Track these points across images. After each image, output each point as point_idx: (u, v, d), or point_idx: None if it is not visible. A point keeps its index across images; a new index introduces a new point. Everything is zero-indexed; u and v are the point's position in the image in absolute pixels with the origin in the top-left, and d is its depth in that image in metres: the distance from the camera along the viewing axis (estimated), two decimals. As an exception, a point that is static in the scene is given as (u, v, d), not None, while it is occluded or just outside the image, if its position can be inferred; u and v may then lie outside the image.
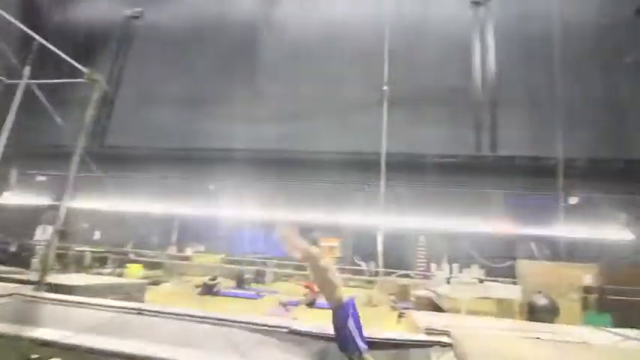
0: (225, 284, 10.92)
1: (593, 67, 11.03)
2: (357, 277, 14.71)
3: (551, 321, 7.72)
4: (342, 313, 3.17)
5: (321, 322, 5.57)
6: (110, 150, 12.83)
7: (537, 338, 3.65)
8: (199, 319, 3.34)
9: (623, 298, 8.70)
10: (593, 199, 10.55)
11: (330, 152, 11.56)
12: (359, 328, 3.10)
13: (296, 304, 8.68)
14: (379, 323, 7.52)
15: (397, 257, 15.39)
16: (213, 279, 9.64)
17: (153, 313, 3.65)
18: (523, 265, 9.96)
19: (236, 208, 12.01)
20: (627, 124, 10.43)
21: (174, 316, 3.51)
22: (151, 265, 12.09)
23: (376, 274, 11.46)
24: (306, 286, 9.17)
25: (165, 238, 14.15)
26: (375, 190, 10.68)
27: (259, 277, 11.72)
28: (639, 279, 7.73)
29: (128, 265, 11.64)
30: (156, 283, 10.39)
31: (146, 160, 12.51)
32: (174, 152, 12.52)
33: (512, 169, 11.10)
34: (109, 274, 10.34)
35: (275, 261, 11.97)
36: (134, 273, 11.02)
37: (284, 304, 7.51)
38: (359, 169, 11.29)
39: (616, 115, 10.58)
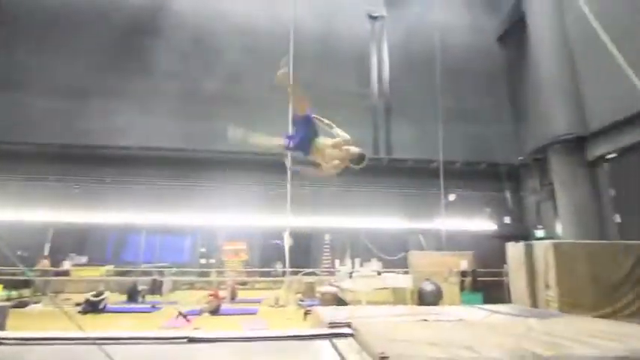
0: (115, 299, 9.72)
1: (464, 83, 12.89)
2: (263, 279, 14.57)
3: (436, 303, 8.76)
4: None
5: (226, 329, 5.34)
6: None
7: (425, 320, 4.08)
8: (75, 341, 2.86)
9: (490, 278, 10.35)
10: (466, 196, 12.33)
11: (231, 152, 11.17)
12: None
13: (198, 313, 8.17)
14: (286, 322, 7.55)
15: (304, 256, 15.74)
16: (98, 294, 8.48)
17: (14, 341, 3.02)
18: (413, 256, 11.10)
19: (126, 212, 10.75)
20: (488, 133, 12.43)
21: (43, 342, 2.95)
22: (15, 284, 10.05)
23: (283, 274, 11.48)
24: (211, 294, 8.71)
25: (35, 251, 11.94)
26: (279, 191, 10.69)
27: (155, 288, 10.71)
28: (501, 262, 9.25)
29: (-19, 286, 9.50)
30: (21, 305, 8.71)
31: (5, 157, 10.37)
32: (47, 149, 10.62)
33: (404, 170, 12.28)
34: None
35: (173, 269, 11.07)
36: (-10, 296, 9.05)
37: (184, 315, 6.98)
38: (263, 170, 11.17)
39: (481, 125, 12.51)
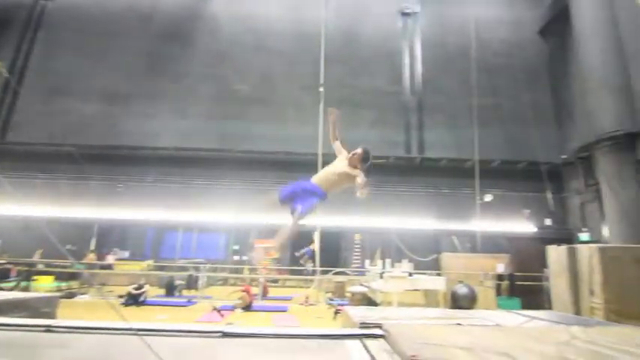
0: (154, 293, 10.20)
1: (502, 79, 12.38)
2: (294, 277, 14.73)
3: (470, 307, 8.48)
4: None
5: (258, 325, 5.47)
6: (12, 147, 11.19)
7: (458, 324, 3.96)
8: (117, 331, 3.03)
9: (529, 283, 9.88)
10: (503, 197, 11.83)
11: (263, 152, 11.39)
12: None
13: (231, 308, 8.41)
14: (316, 321, 7.60)
15: (334, 256, 15.77)
16: (139, 287, 8.94)
17: (64, 329, 3.24)
18: (446, 258, 10.82)
19: (163, 210, 11.22)
20: (528, 131, 11.85)
21: (89, 331, 3.14)
22: (65, 277, 10.82)
23: (313, 273, 11.56)
24: (243, 290, 8.94)
25: (82, 245, 12.78)
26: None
27: (191, 283, 11.14)
28: (541, 266, 8.81)
29: (35, 277, 10.29)
30: (70, 295, 9.34)
31: (55, 159, 11.14)
32: (90, 150, 11.31)
33: (437, 170, 11.98)
34: (12, 288, 9.02)
35: (208, 265, 11.45)
36: (43, 286, 9.78)
37: (218, 310, 7.22)
38: (294, 169, 11.29)
39: (520, 123, 11.97)
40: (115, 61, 12.12)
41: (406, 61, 12.65)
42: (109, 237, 14.14)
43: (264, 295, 10.73)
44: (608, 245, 7.55)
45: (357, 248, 16.46)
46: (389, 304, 8.50)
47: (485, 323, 4.09)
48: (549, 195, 11.85)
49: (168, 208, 11.27)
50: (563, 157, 11.51)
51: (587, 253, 6.54)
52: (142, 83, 11.91)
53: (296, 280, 14.84)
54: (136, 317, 7.06)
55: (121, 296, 8.96)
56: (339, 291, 10.92)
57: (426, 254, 12.60)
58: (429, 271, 10.64)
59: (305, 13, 12.54)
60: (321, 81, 11.09)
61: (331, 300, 10.03)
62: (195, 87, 12.04)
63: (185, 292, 10.80)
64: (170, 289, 10.53)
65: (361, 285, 10.03)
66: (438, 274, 10.15)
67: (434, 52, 12.66)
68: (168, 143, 11.39)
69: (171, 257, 14.47)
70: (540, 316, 4.98)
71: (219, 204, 11.32)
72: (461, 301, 8.82)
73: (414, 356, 2.44)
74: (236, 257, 15.64)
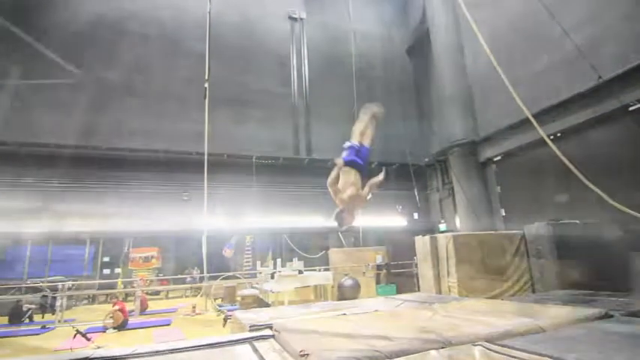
0: (-9, 323, 8.19)
1: (377, 88, 13.76)
2: (179, 286, 13.65)
3: (355, 297, 9.17)
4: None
5: (133, 344, 4.86)
6: None
7: (344, 314, 4.23)
8: None
9: (402, 270, 11.19)
10: (381, 195, 13.14)
11: (138, 150, 10.25)
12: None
13: (102, 330, 7.31)
14: (204, 331, 7.18)
15: (223, 260, 15.14)
16: (-32, 319, 7.05)
17: None
18: (333, 253, 11.48)
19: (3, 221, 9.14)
20: (400, 136, 13.44)
21: None
22: None
23: (201, 280, 10.90)
24: (116, 305, 7.84)
25: None
26: (196, 193, 10.12)
27: (46, 306, 9.30)
28: (412, 255, 10.07)
29: None
30: None
31: None
32: None
33: (324, 170, 12.58)
34: None
35: (69, 283, 9.72)
36: None
37: (82, 333, 6.16)
38: (174, 169, 10.50)
39: (393, 129, 13.47)
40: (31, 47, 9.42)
41: (294, 63, 13.00)
42: None
43: (143, 309, 9.66)
44: (459, 233, 9.06)
45: (247, 250, 16.16)
46: (280, 303, 8.58)
47: (367, 310, 4.47)
48: (416, 192, 13.65)
49: (12, 218, 9.20)
50: (426, 160, 13.42)
51: (444, 241, 7.74)
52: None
53: (182, 289, 13.77)
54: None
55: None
56: (229, 296, 10.54)
57: (315, 251, 13.14)
58: (318, 267, 11.13)
59: (188, 1, 11.77)
60: (206, 76, 10.56)
61: (220, 306, 9.62)
62: (45, 72, 10.08)
63: (38, 318, 8.96)
64: (16, 315, 8.59)
65: (252, 287, 9.88)
66: (327, 270, 10.69)
67: (318, 57, 13.31)
68: (8, 138, 9.30)
69: (17, 277, 11.84)
70: (410, 298, 5.68)
71: (83, 210, 9.75)
72: (346, 293, 9.46)
73: (302, 351, 2.49)
74: (106, 271, 13.68)
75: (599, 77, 7.31)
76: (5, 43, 9.82)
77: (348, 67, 12.70)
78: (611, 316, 3.38)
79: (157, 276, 14.09)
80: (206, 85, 9.71)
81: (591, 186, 5.13)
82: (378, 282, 11.10)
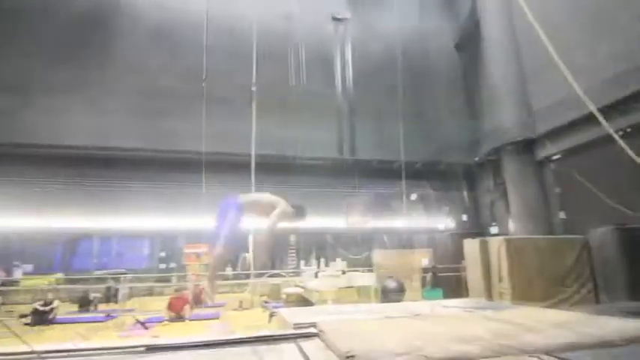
0: (65, 309, 9.08)
1: (424, 86, 13.36)
2: (227, 282, 14.21)
3: (399, 300, 8.98)
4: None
5: (189, 334, 5.16)
6: None
7: (388, 317, 4.16)
8: (16, 356, 2.62)
9: (450, 274, 10.76)
10: (427, 196, 12.78)
11: (192, 152, 10.83)
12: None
13: (160, 320, 7.82)
14: (251, 326, 7.42)
15: (270, 257, 15.54)
16: (47, 304, 7.88)
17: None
18: (377, 255, 11.32)
19: (75, 217, 10.08)
20: (447, 135, 12.98)
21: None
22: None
23: (247, 276, 11.29)
24: (173, 300, 8.33)
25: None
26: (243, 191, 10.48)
27: (110, 295, 10.12)
28: (460, 258, 9.67)
29: None
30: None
31: None
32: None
33: (367, 171, 12.51)
34: None
35: (130, 275, 10.50)
36: None
37: (141, 322, 6.64)
38: (225, 170, 10.93)
39: (440, 127, 13.05)
40: (19, 47, 10.57)
41: (338, 64, 13.01)
42: (6, 250, 12.27)
43: (198, 302, 10.18)
44: (513, 237, 8.56)
45: (291, 249, 16.44)
46: (324, 302, 8.63)
47: (411, 314, 4.36)
48: (465, 193, 13.08)
49: (83, 214, 10.15)
50: (476, 158, 12.80)
51: (495, 245, 7.35)
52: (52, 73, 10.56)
53: (229, 285, 14.30)
54: (45, 338, 6.21)
55: (23, 315, 7.81)
56: (274, 294, 10.79)
57: (358, 252, 13.06)
58: (361, 269, 11.03)
59: (234, 10, 12.22)
60: (253, 80, 10.92)
61: (266, 303, 9.87)
62: (116, 79, 11.01)
63: (103, 306, 9.79)
64: (84, 303, 9.46)
65: (296, 286, 10.04)
66: (370, 271, 10.58)
67: (363, 57, 13.20)
68: (81, 142, 10.26)
69: (86, 269, 13.02)
70: (458, 303, 5.45)
71: (143, 208, 10.51)
72: (390, 295, 9.29)
73: (348, 352, 2.49)
74: (162, 265, 14.59)
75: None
76: None
77: (393, 66, 12.50)
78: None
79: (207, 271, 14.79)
80: (253, 88, 10.04)
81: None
82: (423, 285, 10.76)
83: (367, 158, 12.40)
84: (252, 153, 10.56)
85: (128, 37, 11.47)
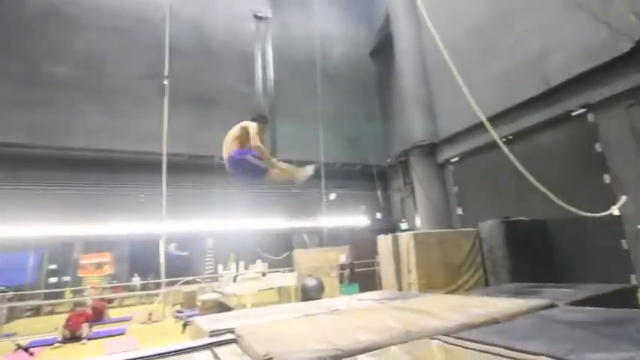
0: None
1: (342, 90, 13.92)
2: (134, 293, 12.96)
3: (319, 297, 9.17)
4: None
5: (82, 357, 4.55)
6: None
7: (306, 315, 4.20)
8: None
9: (365, 269, 11.35)
10: (344, 195, 13.30)
11: (95, 150, 9.67)
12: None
13: (51, 342, 6.76)
14: (162, 339, 6.86)
15: (184, 264, 14.59)
16: None
17: None
18: (297, 254, 11.43)
19: None
20: (363, 137, 13.71)
21: None
22: None
23: (157, 286, 10.44)
24: (73, 317, 7.24)
25: None
26: (153, 194, 9.67)
27: (-18, 319, 8.44)
28: (374, 253, 10.24)
29: None
30: None
31: None
32: None
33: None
34: None
35: (10, 293, 8.91)
36: None
37: (24, 348, 5.67)
38: (134, 170, 9.97)
39: (357, 129, 13.72)
40: None
41: (259, 62, 12.82)
42: None
43: (98, 318, 9.06)
44: (419, 231, 9.35)
45: (209, 253, 15.68)
46: (243, 306, 8.39)
47: (329, 310, 4.47)
48: (379, 192, 13.94)
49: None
50: (388, 160, 13.75)
51: (405, 240, 7.95)
52: None
53: (137, 296, 13.06)
54: None
55: None
56: (189, 302, 10.14)
57: (279, 253, 13.01)
58: (283, 269, 11.01)
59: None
60: (166, 72, 10.17)
61: (179, 312, 9.24)
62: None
63: (-28, 334, 8.12)
64: (-55, 332, 7.73)
65: (213, 291, 9.59)
66: (291, 270, 10.61)
67: (283, 57, 13.23)
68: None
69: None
70: (373, 296, 5.76)
71: (27, 214, 9.02)
72: (310, 293, 9.43)
73: (265, 355, 2.43)
74: (52, 279, 12.71)
75: (547, 84, 7.86)
76: None
77: (312, 68, 12.74)
78: (556, 306, 3.62)
79: (110, 283, 13.30)
80: (165, 81, 9.34)
81: (538, 185, 5.49)
82: (341, 281, 11.18)
83: (288, 159, 12.42)
84: (164, 151, 9.82)
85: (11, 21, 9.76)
